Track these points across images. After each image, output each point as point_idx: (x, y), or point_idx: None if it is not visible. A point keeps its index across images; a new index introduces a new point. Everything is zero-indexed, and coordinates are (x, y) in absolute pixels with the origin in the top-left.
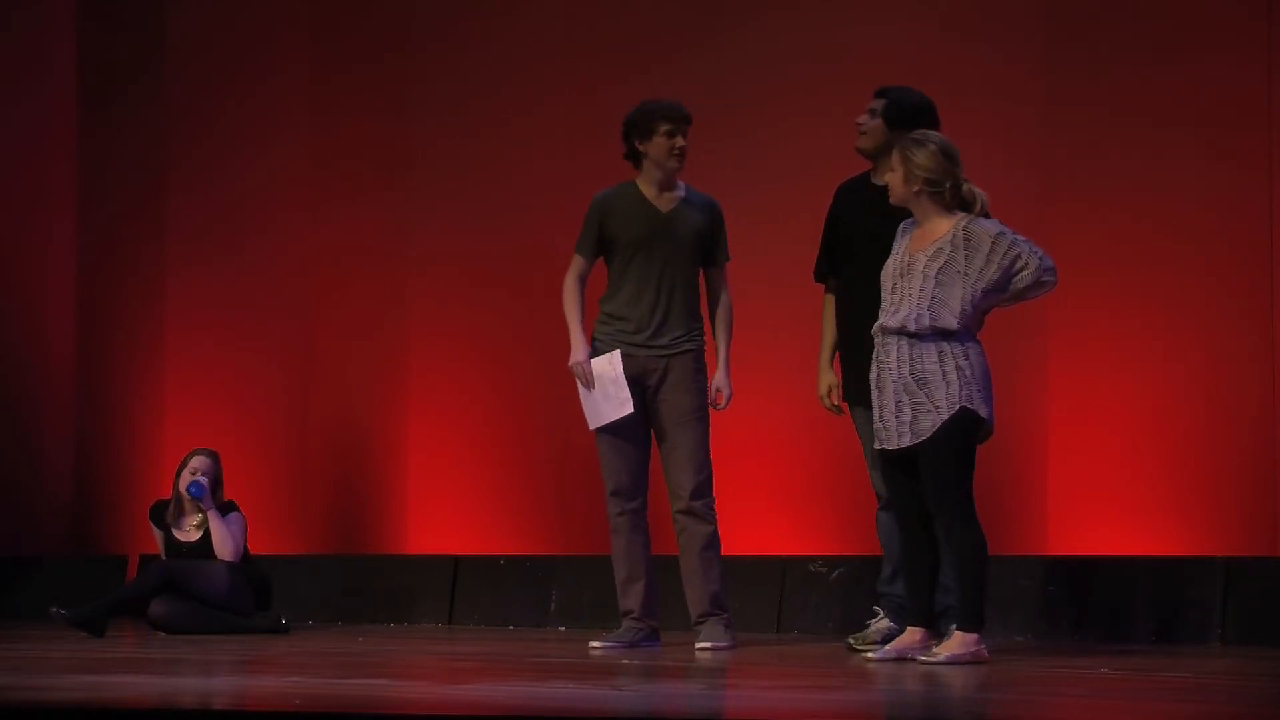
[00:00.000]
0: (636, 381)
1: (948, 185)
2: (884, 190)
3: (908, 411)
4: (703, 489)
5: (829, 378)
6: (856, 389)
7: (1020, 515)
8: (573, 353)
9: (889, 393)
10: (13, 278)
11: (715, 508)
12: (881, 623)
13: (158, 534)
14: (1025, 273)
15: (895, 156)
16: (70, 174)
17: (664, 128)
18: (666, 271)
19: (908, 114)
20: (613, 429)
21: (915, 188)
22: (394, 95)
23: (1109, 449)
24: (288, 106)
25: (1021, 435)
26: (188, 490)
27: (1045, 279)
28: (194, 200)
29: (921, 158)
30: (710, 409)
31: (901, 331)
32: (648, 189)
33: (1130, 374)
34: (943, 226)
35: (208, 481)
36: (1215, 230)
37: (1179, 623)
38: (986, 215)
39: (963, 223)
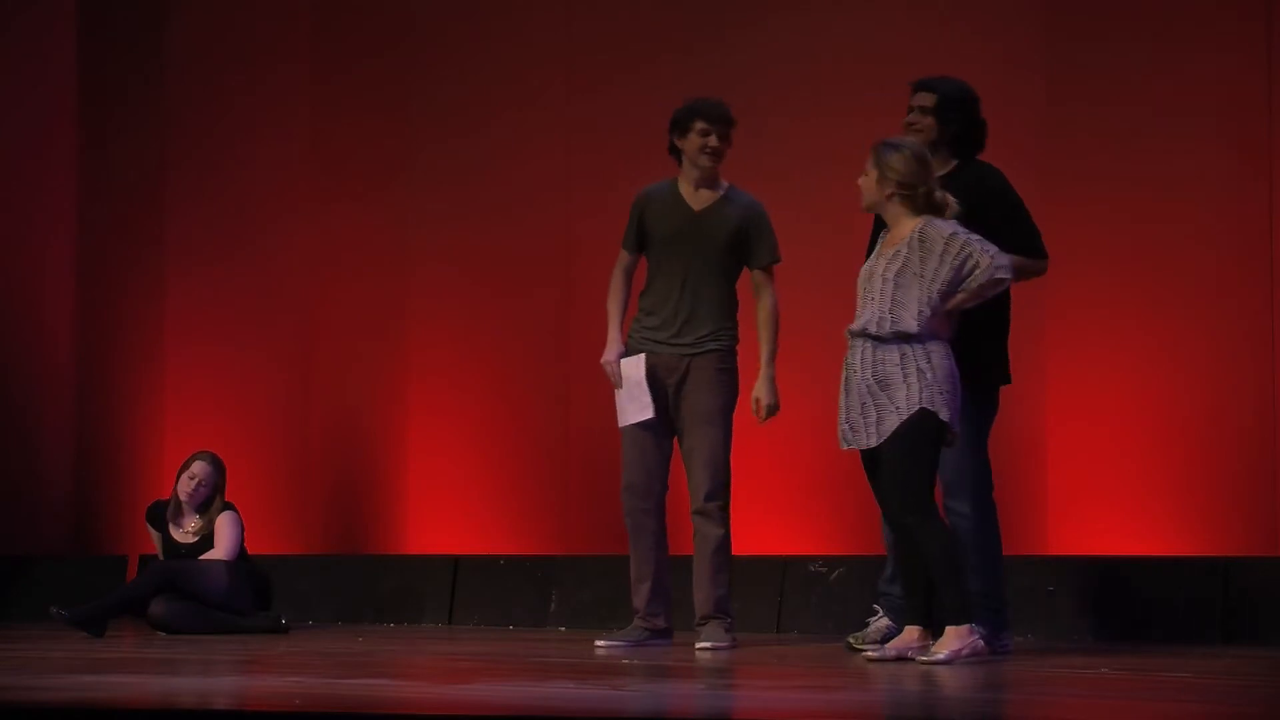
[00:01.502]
0: (660, 379)
1: (920, 190)
2: None
3: (873, 412)
4: (716, 492)
5: None
6: None
7: (1020, 515)
8: (605, 350)
9: (854, 395)
10: (13, 278)
11: (730, 511)
12: (881, 622)
13: (155, 535)
14: (977, 271)
15: (870, 160)
16: (71, 174)
17: (700, 125)
18: (694, 269)
19: (957, 105)
20: (636, 425)
21: (888, 191)
22: (394, 94)
23: (1109, 449)
24: (288, 106)
25: (1021, 435)
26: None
27: (998, 276)
28: (194, 200)
29: (896, 162)
30: (754, 417)
31: (864, 334)
32: (685, 186)
33: (1130, 374)
34: (906, 229)
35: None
36: (1215, 230)
37: (1179, 623)
38: (958, 218)
39: (920, 225)
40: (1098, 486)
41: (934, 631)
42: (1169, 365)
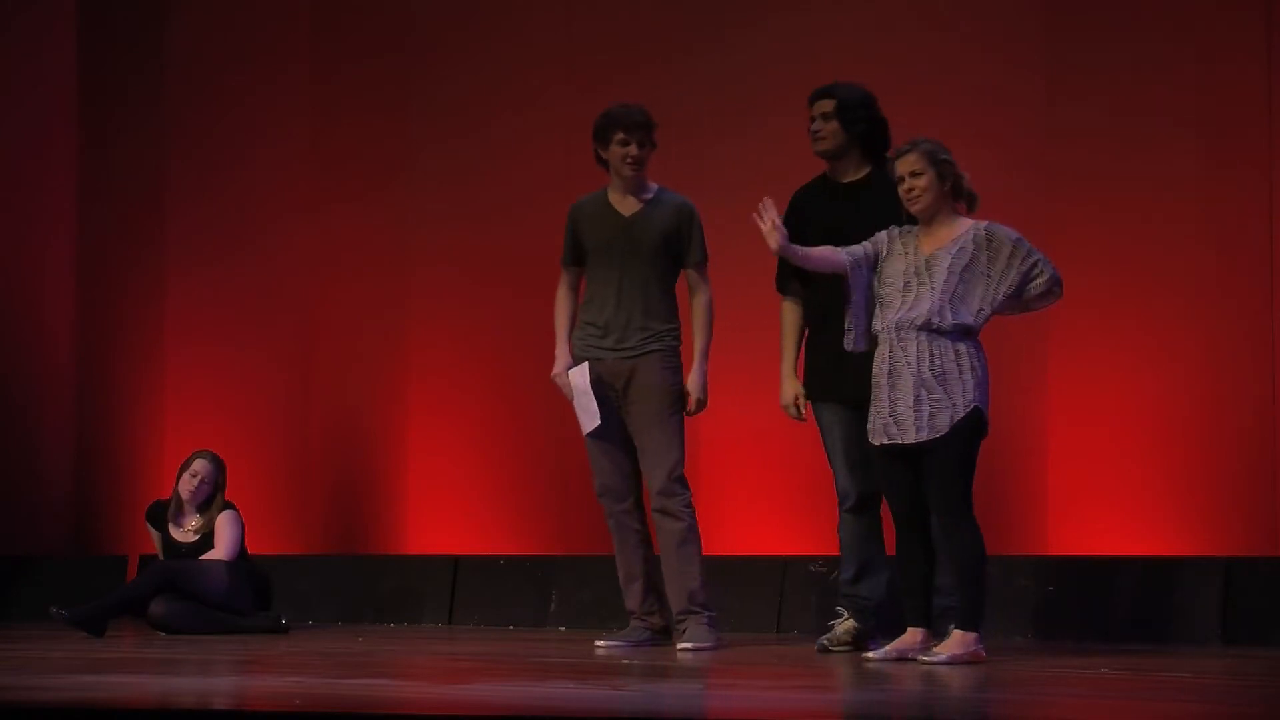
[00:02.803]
0: (608, 385)
1: (963, 180)
2: (847, 187)
3: (926, 406)
4: (673, 487)
5: (795, 386)
6: (824, 386)
7: (1020, 515)
8: (555, 364)
9: (906, 387)
10: (13, 278)
11: (693, 503)
12: (847, 622)
13: (155, 535)
14: (1039, 281)
15: (918, 161)
16: (71, 174)
17: (618, 136)
18: (628, 276)
19: (858, 106)
20: (596, 433)
21: (947, 185)
22: (394, 94)
23: (1109, 449)
24: (288, 106)
25: (1021, 435)
26: None
27: (1055, 290)
28: (194, 200)
29: (947, 154)
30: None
31: (925, 326)
32: (613, 194)
33: (1130, 374)
34: (959, 227)
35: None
36: (1215, 230)
37: (1179, 623)
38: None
39: (982, 225)
40: (1098, 486)
41: (933, 633)
42: (1169, 365)
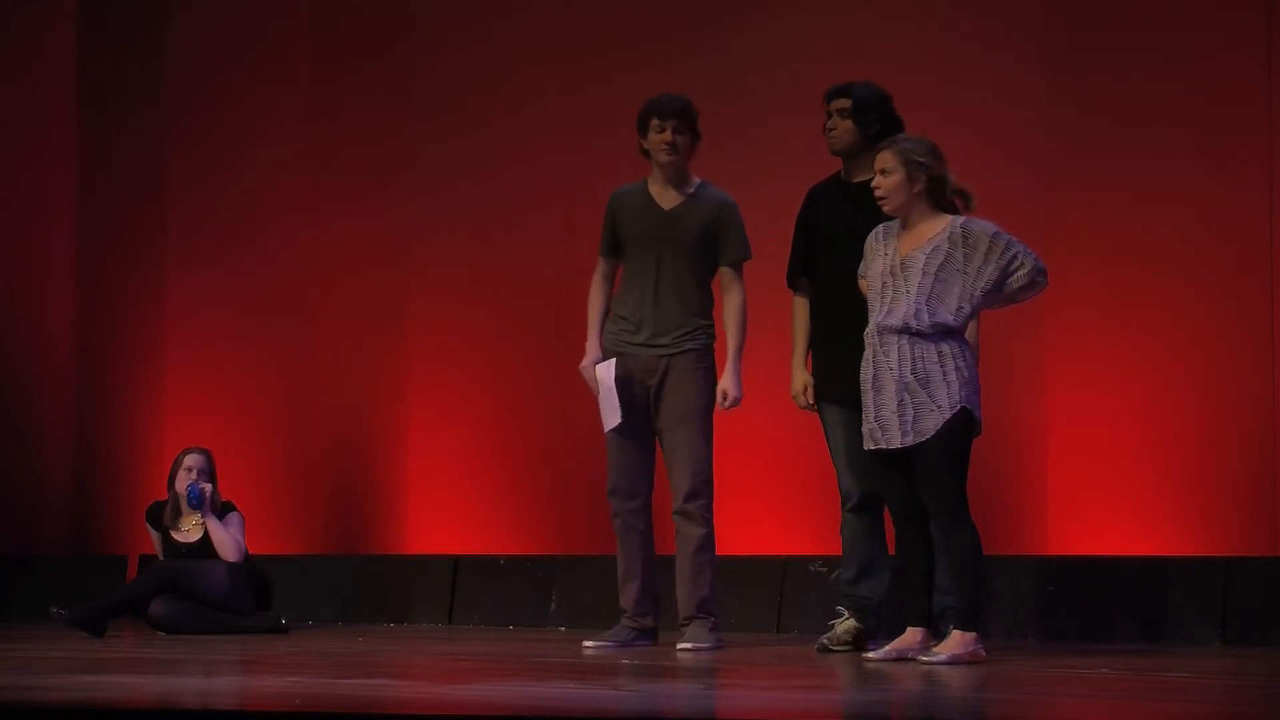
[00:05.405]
0: (638, 382)
1: (946, 181)
2: (861, 187)
3: (910, 410)
4: (698, 492)
5: (804, 376)
6: (829, 386)
7: (1020, 515)
8: (584, 356)
9: (889, 392)
10: (13, 278)
11: (713, 509)
12: (848, 622)
13: (155, 536)
14: (1020, 273)
15: (890, 159)
16: (71, 174)
17: (654, 122)
18: (664, 270)
19: (873, 105)
20: (618, 429)
21: (918, 187)
22: (394, 94)
23: (1108, 449)
24: (288, 106)
25: (1021, 435)
26: (188, 499)
27: (1038, 280)
28: (194, 200)
29: (923, 156)
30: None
31: (904, 330)
32: (654, 185)
33: (1130, 374)
34: (937, 225)
35: (208, 488)
36: (1215, 231)
37: (1179, 623)
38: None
39: (959, 221)
40: (1098, 487)
41: (933, 633)
42: (1169, 365)
